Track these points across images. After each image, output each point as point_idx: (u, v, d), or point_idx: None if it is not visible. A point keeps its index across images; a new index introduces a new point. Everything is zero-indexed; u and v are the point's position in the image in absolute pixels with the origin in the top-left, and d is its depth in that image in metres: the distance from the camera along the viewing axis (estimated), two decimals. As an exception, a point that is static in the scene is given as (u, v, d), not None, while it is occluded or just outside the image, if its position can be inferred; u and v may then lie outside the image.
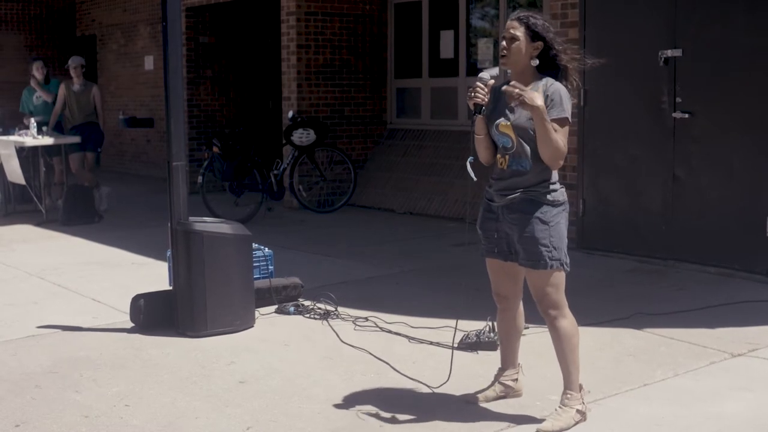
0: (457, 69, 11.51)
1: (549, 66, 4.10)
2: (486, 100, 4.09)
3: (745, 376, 4.89)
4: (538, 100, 3.91)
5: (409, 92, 12.32)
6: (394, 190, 11.54)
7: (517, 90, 3.91)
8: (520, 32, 4.05)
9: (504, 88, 3.99)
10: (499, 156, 4.18)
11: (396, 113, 12.47)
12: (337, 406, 4.51)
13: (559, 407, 4.17)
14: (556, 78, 4.09)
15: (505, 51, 4.07)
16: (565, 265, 4.11)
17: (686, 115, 7.42)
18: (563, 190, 4.15)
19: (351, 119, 12.17)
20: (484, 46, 11.29)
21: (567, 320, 4.14)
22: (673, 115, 7.51)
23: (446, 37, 11.66)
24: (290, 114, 11.35)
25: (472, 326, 5.41)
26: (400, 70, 12.41)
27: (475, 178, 4.17)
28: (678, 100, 7.48)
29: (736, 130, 7.18)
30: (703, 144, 7.38)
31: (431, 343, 5.51)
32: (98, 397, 4.69)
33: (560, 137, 3.98)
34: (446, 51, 11.68)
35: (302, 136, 11.13)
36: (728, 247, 7.23)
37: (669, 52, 7.50)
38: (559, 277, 4.12)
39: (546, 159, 4.01)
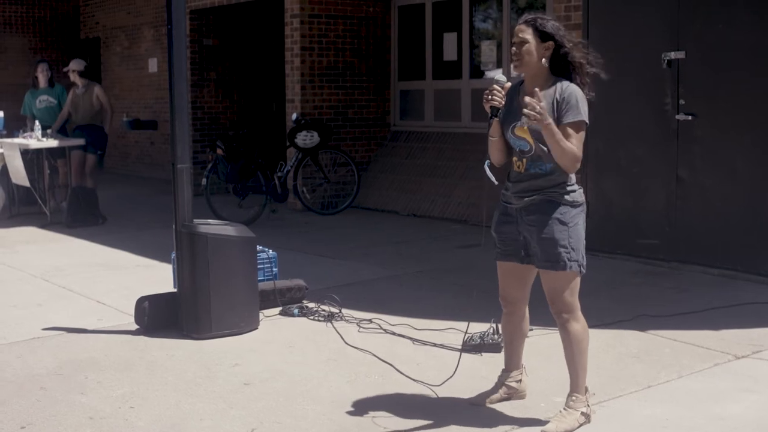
0: (461, 71, 11.52)
1: (562, 66, 4.08)
2: (503, 103, 4.08)
3: (749, 377, 4.89)
4: (544, 112, 3.89)
5: (412, 94, 12.33)
6: (397, 192, 11.55)
7: (533, 112, 3.86)
8: (528, 34, 4.03)
9: (526, 99, 3.91)
10: (515, 159, 4.17)
11: (399, 115, 12.49)
12: (342, 407, 4.51)
13: (564, 409, 4.17)
14: (571, 79, 4.08)
15: (517, 55, 4.04)
16: (582, 267, 4.09)
17: (690, 117, 7.43)
18: (581, 191, 4.13)
19: (354, 121, 12.18)
20: (487, 49, 11.30)
21: (579, 324, 4.13)
22: (677, 117, 7.51)
23: (449, 39, 11.67)
24: (294, 116, 11.37)
25: (476, 328, 5.41)
26: (404, 73, 12.42)
27: (496, 182, 4.16)
28: (681, 102, 7.48)
29: (740, 131, 7.18)
30: (707, 146, 7.38)
31: (435, 344, 5.51)
32: (103, 399, 4.70)
33: (575, 141, 3.97)
34: (449, 53, 11.69)
35: (306, 138, 11.14)
36: (732, 249, 7.23)
37: (672, 54, 7.51)
38: (575, 280, 4.10)
39: (563, 166, 4.00)
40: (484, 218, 4.38)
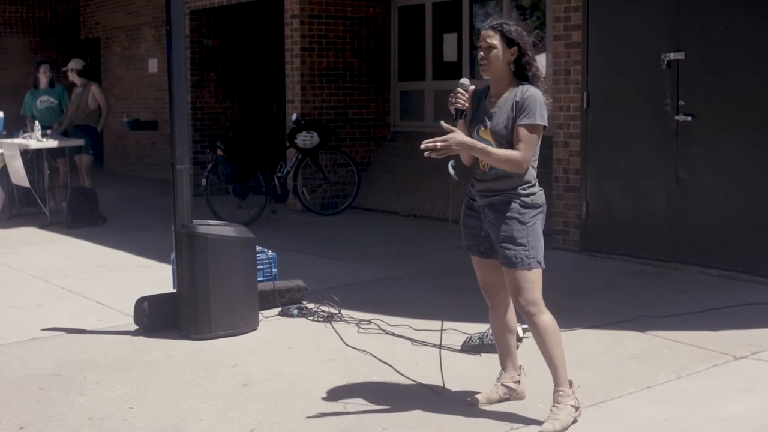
0: (461, 72, 11.52)
1: (523, 71, 4.21)
2: (467, 105, 4.24)
3: (748, 378, 4.89)
4: (458, 138, 4.04)
5: (412, 95, 12.34)
6: (397, 193, 11.55)
7: (434, 145, 4.02)
8: (496, 40, 4.18)
9: (423, 146, 4.06)
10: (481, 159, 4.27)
11: (399, 116, 12.49)
12: (341, 408, 4.52)
13: (554, 406, 4.20)
14: (533, 83, 4.20)
15: (484, 60, 4.20)
16: (541, 264, 4.22)
17: (689, 118, 7.43)
18: (542, 193, 4.27)
19: (354, 122, 12.19)
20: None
21: (546, 316, 4.22)
22: (676, 117, 7.51)
23: (449, 40, 11.67)
24: (294, 116, 11.37)
25: (475, 329, 5.42)
26: (404, 73, 12.42)
27: (457, 179, 4.31)
28: (681, 102, 7.48)
29: (740, 132, 7.19)
30: (707, 146, 7.38)
31: (435, 345, 5.51)
32: (102, 400, 4.70)
33: (522, 145, 4.10)
34: (449, 54, 11.69)
35: (306, 139, 11.14)
36: (731, 250, 7.23)
37: (672, 55, 7.51)
38: (536, 275, 4.21)
39: (509, 171, 4.14)
40: (450, 214, 4.49)
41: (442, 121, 4.24)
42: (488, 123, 4.21)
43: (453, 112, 4.26)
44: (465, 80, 4.28)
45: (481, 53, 4.22)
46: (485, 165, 4.25)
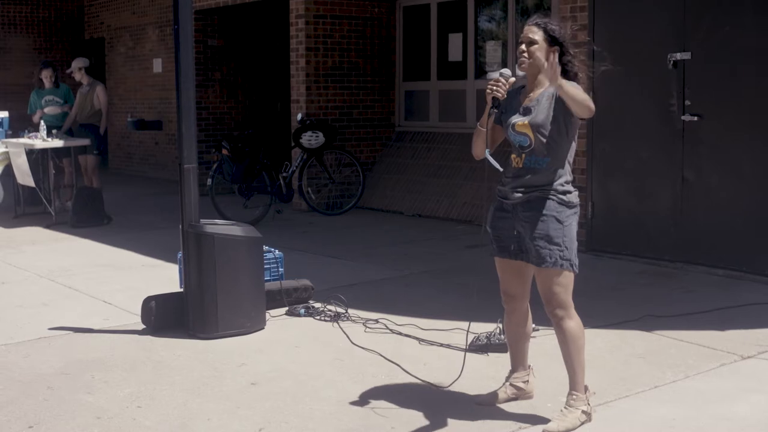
0: (466, 72, 11.53)
1: (564, 70, 4.13)
2: (505, 96, 4.15)
3: (755, 377, 4.89)
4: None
5: (417, 95, 12.34)
6: (402, 193, 11.55)
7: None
8: (539, 36, 4.13)
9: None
10: (514, 156, 4.22)
11: (404, 116, 12.49)
12: (348, 407, 4.52)
13: (565, 408, 4.19)
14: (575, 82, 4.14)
15: (525, 54, 4.14)
16: (574, 267, 4.15)
17: (695, 118, 7.43)
18: (576, 192, 4.20)
19: (359, 122, 12.19)
20: (492, 49, 11.30)
21: (573, 321, 4.17)
22: (683, 117, 7.51)
23: (455, 39, 11.68)
24: (299, 116, 11.38)
25: (482, 328, 5.42)
26: (409, 73, 12.43)
27: (500, 168, 4.17)
28: (687, 102, 7.48)
29: (746, 132, 7.18)
30: (713, 147, 7.38)
31: (441, 344, 5.52)
32: (110, 399, 4.71)
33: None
34: (455, 54, 11.69)
35: (311, 139, 11.15)
36: (737, 250, 7.23)
37: (678, 55, 7.51)
38: (568, 278, 4.15)
39: (581, 108, 3.99)
40: (479, 219, 4.40)
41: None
42: (527, 117, 4.12)
43: (490, 101, 4.15)
44: (507, 70, 4.18)
45: (522, 47, 4.15)
46: (518, 161, 4.18)
